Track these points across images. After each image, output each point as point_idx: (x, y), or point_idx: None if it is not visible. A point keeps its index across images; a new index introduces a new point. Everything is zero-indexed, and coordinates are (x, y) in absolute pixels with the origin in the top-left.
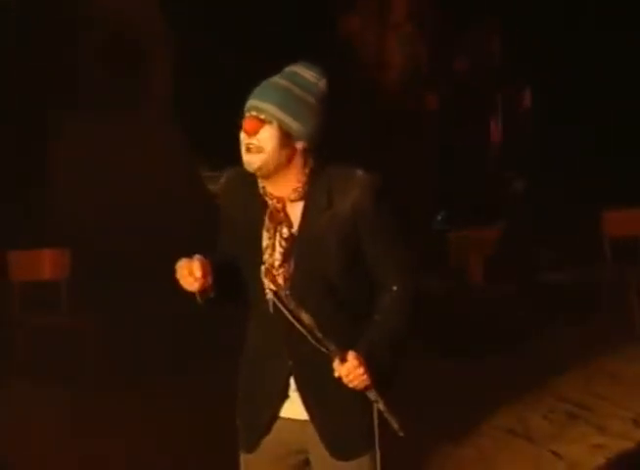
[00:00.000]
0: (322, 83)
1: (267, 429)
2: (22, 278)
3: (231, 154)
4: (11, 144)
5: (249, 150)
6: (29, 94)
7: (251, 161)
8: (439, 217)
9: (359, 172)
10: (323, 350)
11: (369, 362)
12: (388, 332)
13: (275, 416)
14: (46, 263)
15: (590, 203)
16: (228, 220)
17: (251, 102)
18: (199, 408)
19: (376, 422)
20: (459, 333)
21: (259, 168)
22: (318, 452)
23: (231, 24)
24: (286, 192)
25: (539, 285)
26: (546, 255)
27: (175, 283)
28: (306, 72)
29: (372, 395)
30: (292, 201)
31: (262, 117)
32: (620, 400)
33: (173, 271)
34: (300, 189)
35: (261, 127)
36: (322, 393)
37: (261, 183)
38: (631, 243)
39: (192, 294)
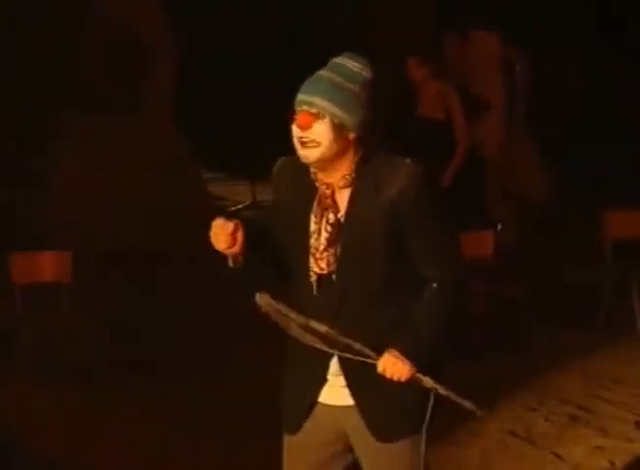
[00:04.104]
0: (366, 72)
1: (308, 412)
2: (24, 280)
3: (231, 154)
4: (11, 144)
5: (304, 144)
6: (29, 94)
7: (308, 154)
8: None
9: (406, 161)
10: (362, 359)
11: (409, 355)
12: (425, 325)
13: (314, 401)
14: (48, 265)
15: (591, 203)
16: (278, 204)
17: (301, 96)
18: (199, 408)
19: (430, 404)
20: (459, 333)
21: (316, 161)
22: (361, 437)
23: (233, 25)
24: (335, 179)
25: (540, 285)
26: (546, 255)
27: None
28: (350, 63)
29: (427, 383)
30: (340, 188)
31: (314, 111)
32: (622, 402)
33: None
34: (349, 177)
35: (314, 122)
36: (367, 376)
37: (313, 169)
38: (633, 244)
39: (224, 258)
